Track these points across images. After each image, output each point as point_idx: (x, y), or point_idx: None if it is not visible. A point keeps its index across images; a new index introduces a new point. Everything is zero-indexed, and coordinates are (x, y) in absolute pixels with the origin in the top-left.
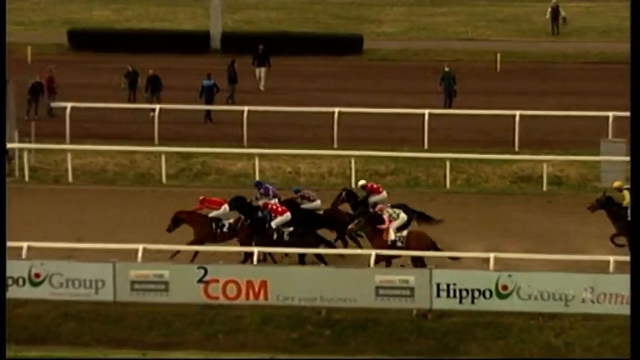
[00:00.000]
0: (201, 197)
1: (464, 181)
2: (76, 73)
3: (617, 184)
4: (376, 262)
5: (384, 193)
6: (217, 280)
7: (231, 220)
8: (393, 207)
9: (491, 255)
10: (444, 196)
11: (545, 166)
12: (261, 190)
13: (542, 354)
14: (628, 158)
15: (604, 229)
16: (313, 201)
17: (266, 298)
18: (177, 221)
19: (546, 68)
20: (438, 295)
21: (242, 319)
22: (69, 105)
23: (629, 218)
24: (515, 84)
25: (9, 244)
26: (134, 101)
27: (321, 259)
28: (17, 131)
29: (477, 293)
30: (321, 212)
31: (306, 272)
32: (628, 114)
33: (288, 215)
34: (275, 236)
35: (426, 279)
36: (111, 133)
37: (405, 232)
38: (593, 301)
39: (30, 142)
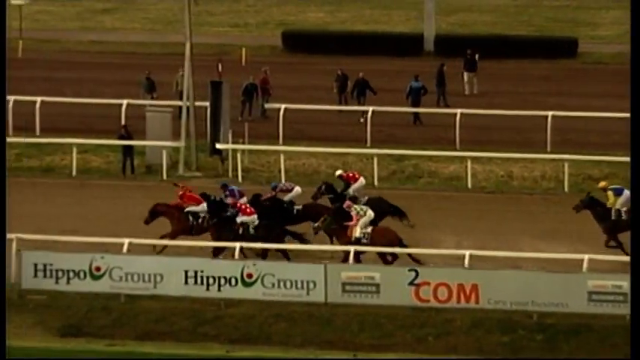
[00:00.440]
0: (180, 192)
1: None
2: (289, 75)
3: (602, 184)
4: (343, 260)
5: (362, 180)
6: (428, 283)
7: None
8: (369, 200)
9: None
10: None
11: None
12: (227, 193)
13: None
14: None
15: None
16: (292, 190)
17: (477, 301)
18: (154, 214)
19: None
20: None
21: (452, 322)
22: (282, 106)
23: (613, 218)
24: None
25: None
26: (345, 104)
27: (285, 254)
28: (231, 132)
29: None
30: (300, 207)
31: (518, 276)
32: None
33: (254, 217)
34: (241, 230)
35: None
36: (323, 134)
37: (369, 229)
38: None
39: (243, 143)
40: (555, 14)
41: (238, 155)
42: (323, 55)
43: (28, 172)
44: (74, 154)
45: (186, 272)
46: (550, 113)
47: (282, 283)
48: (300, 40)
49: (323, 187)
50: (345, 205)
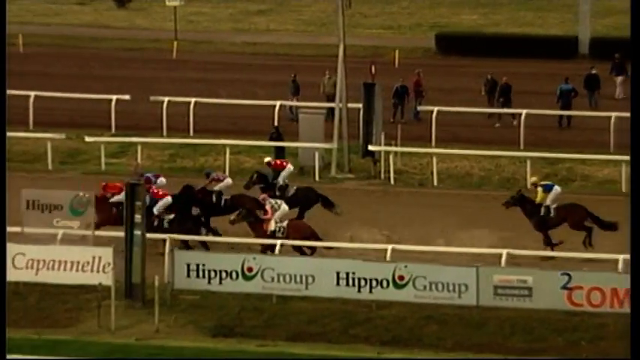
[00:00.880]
0: (103, 183)
1: None
2: (442, 77)
3: (533, 179)
4: (262, 251)
5: (290, 166)
6: (582, 287)
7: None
8: (298, 189)
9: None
10: None
11: None
12: (143, 179)
13: None
14: None
15: None
16: (223, 180)
17: None
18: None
19: None
20: None
21: (606, 327)
22: (435, 109)
23: (542, 214)
24: None
25: (365, 245)
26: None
27: (204, 245)
28: (384, 134)
29: None
30: (228, 197)
31: None
32: None
33: (168, 199)
34: (156, 223)
35: None
36: (476, 137)
37: (285, 223)
38: None
39: (396, 145)
40: None
41: (390, 157)
42: (476, 57)
43: (181, 172)
44: (227, 155)
45: (337, 274)
46: None
47: (433, 286)
48: (454, 43)
49: (255, 176)
50: (260, 198)
